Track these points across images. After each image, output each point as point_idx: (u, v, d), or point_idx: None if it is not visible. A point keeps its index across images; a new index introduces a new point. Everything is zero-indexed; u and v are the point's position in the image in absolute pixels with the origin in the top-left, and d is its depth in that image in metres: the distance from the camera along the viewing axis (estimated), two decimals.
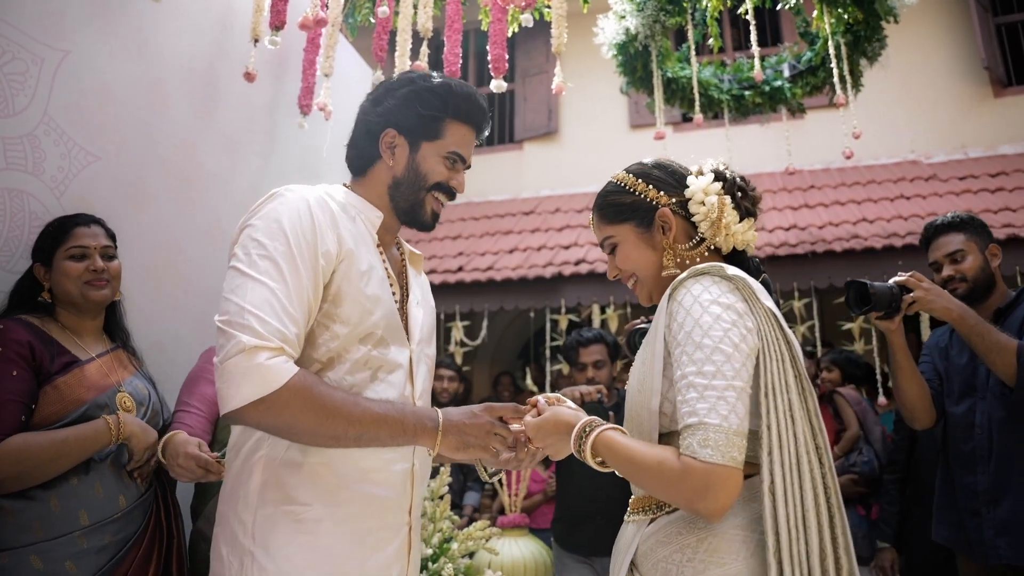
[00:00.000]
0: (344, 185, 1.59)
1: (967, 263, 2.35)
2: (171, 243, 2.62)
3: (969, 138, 6.48)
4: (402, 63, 2.94)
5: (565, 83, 2.78)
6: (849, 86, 3.83)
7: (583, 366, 3.14)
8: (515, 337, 7.77)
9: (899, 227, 5.08)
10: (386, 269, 1.50)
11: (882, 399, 4.59)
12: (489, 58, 2.78)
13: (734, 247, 1.38)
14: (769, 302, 1.27)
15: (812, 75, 4.51)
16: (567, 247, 6.09)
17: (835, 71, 3.61)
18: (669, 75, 4.22)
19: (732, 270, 1.27)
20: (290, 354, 1.26)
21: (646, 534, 1.26)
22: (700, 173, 1.41)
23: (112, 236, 2.08)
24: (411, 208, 1.54)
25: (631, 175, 1.43)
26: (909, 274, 2.20)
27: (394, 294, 1.50)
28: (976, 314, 2.17)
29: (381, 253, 1.51)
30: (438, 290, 5.49)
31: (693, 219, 1.38)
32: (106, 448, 1.82)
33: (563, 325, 5.52)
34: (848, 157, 3.87)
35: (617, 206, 1.42)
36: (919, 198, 5.63)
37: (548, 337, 5.55)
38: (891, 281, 2.20)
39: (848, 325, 4.73)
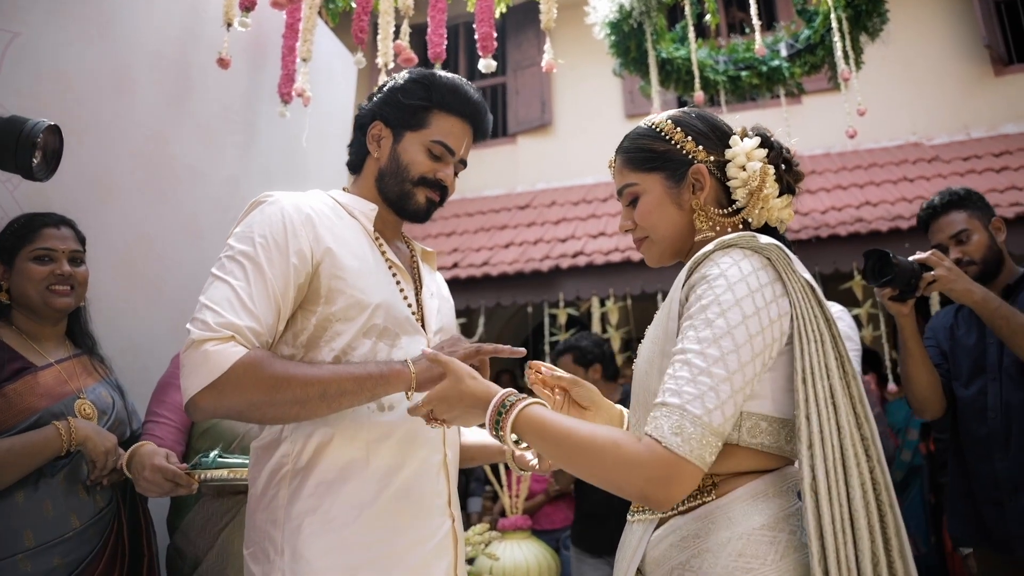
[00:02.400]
0: (343, 188, 1.58)
1: (974, 243, 2.22)
2: (142, 239, 2.48)
3: (971, 118, 6.34)
4: (384, 46, 2.80)
5: (556, 60, 2.64)
6: (852, 62, 3.69)
7: None
8: (513, 333, 7.63)
9: (904, 209, 4.94)
10: (388, 260, 1.48)
11: (892, 386, 4.46)
12: (476, 36, 2.64)
13: (765, 223, 1.24)
14: (807, 274, 1.13)
15: (810, 54, 4.37)
16: (564, 240, 5.95)
17: (837, 45, 3.47)
18: (664, 56, 4.08)
19: (764, 239, 1.12)
20: (241, 342, 1.25)
21: (656, 538, 1.12)
22: (745, 134, 1.26)
23: (82, 240, 1.95)
24: (399, 199, 1.51)
25: (669, 121, 1.27)
26: (930, 252, 2.07)
27: (399, 282, 1.47)
28: (997, 296, 2.05)
29: (380, 245, 1.49)
30: None
31: (729, 183, 1.23)
32: (58, 456, 1.68)
33: (562, 319, 5.37)
34: (852, 136, 3.73)
35: (647, 152, 1.26)
36: (923, 180, 5.49)
37: (547, 332, 5.41)
38: (912, 258, 2.07)
39: (856, 311, 4.59)
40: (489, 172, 7.48)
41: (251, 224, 1.36)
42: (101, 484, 1.77)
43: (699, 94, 3.58)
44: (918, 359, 2.15)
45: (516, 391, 1.15)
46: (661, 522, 1.13)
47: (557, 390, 1.39)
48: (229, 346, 1.23)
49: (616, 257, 5.29)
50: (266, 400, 1.24)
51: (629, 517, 1.22)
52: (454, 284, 5.56)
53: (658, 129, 1.27)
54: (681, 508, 1.10)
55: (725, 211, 1.23)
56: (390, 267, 1.48)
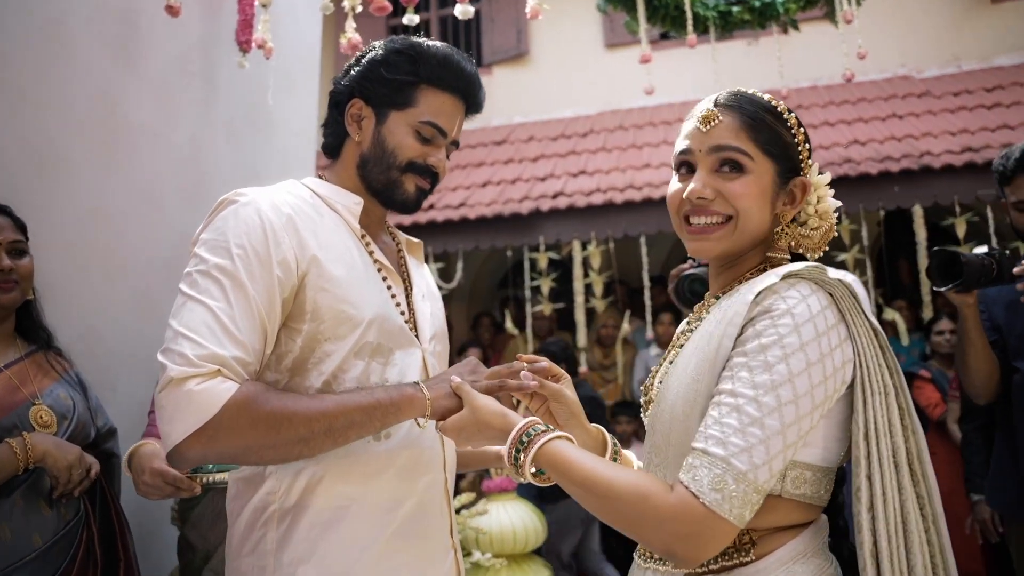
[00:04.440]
0: (319, 175, 1.39)
1: None
2: (96, 212, 2.27)
3: (963, 49, 6.15)
4: None
5: (541, 4, 2.42)
6: (853, 1, 3.47)
7: None
8: (491, 275, 7.51)
9: (893, 149, 4.83)
10: (377, 262, 1.31)
11: None
12: None
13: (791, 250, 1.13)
14: (872, 318, 1.01)
15: None
16: (543, 179, 5.77)
17: None
18: None
19: (835, 273, 1.00)
20: (229, 376, 1.08)
21: None
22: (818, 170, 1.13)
23: (22, 228, 1.75)
24: (385, 189, 1.32)
25: (794, 116, 1.11)
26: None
27: (390, 287, 1.31)
28: None
29: (367, 245, 1.32)
30: (408, 230, 5.17)
31: (804, 208, 1.11)
32: (14, 476, 1.55)
33: (542, 263, 5.25)
34: (849, 79, 3.56)
35: (775, 133, 1.07)
36: (912, 116, 5.36)
37: (527, 277, 5.29)
38: (981, 251, 1.94)
39: (842, 256, 4.53)
40: None
41: (223, 231, 1.16)
42: (69, 496, 1.66)
43: (692, 37, 3.35)
44: (980, 349, 2.08)
45: (538, 421, 1.07)
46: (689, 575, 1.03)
47: (536, 397, 1.26)
48: (216, 383, 1.06)
49: (598, 199, 5.14)
50: (265, 443, 1.10)
51: (641, 562, 1.11)
52: (431, 228, 5.39)
53: (786, 119, 1.09)
54: (713, 566, 1.01)
55: (810, 232, 1.11)
56: (379, 270, 1.31)
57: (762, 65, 5.76)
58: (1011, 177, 2.11)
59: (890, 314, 4.69)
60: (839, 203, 1.09)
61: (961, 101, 5.41)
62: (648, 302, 4.87)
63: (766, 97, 1.12)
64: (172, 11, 2.40)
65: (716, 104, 1.10)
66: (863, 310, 0.99)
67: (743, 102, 1.09)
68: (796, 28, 4.40)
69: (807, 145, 1.10)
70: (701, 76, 5.71)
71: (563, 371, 1.28)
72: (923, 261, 4.33)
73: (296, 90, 3.19)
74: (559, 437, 1.03)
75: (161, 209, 2.49)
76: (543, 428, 1.04)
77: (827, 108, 5.87)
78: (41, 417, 1.66)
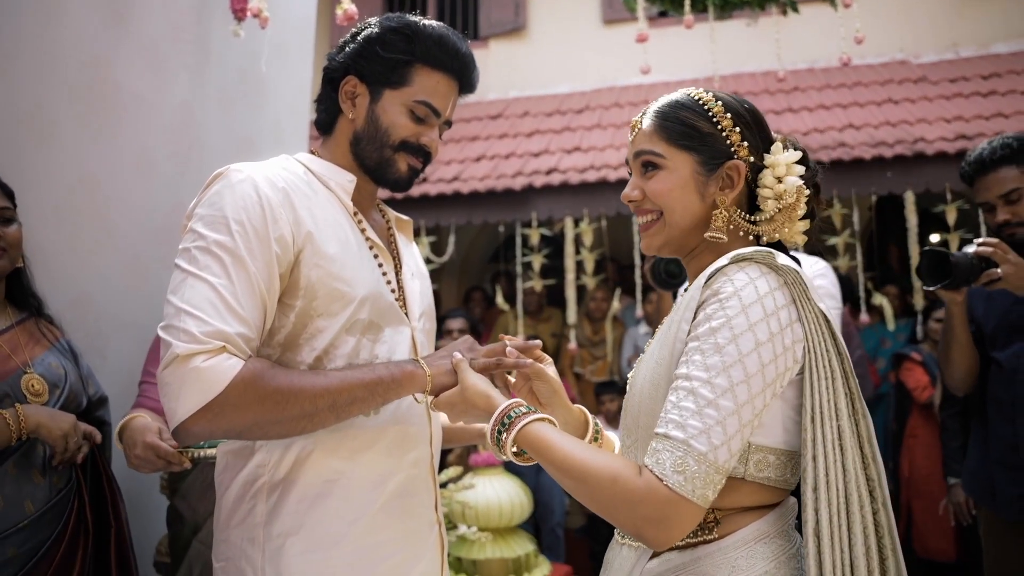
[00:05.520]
0: (312, 151, 1.39)
1: None
2: (87, 179, 2.25)
3: (961, 35, 6.13)
4: None
5: None
6: None
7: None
8: (483, 249, 7.50)
9: (887, 134, 4.82)
10: (369, 240, 1.33)
11: (864, 317, 4.48)
12: None
13: (777, 240, 1.15)
14: (822, 304, 1.04)
15: None
16: (537, 155, 5.74)
17: None
18: None
19: (783, 259, 1.04)
20: (234, 353, 1.10)
21: (650, 570, 1.07)
22: (787, 145, 1.14)
23: (10, 195, 1.74)
24: (378, 167, 1.34)
25: (720, 103, 1.14)
26: (994, 243, 1.94)
27: (381, 265, 1.33)
28: None
29: (360, 223, 1.33)
30: (400, 204, 5.15)
31: (759, 191, 1.13)
32: (7, 447, 1.55)
33: (535, 239, 5.25)
34: (846, 64, 3.55)
35: (688, 127, 1.13)
36: (908, 102, 5.35)
37: (519, 253, 5.28)
38: (971, 249, 1.96)
39: (833, 240, 4.55)
40: None
41: (221, 206, 1.16)
42: (69, 463, 1.67)
43: (689, 18, 3.32)
44: (963, 344, 2.13)
45: (522, 403, 1.10)
46: (656, 555, 1.07)
47: (517, 375, 1.29)
48: (222, 359, 1.07)
49: (592, 176, 5.13)
50: (270, 418, 1.11)
51: (619, 537, 1.16)
52: (423, 201, 5.37)
53: (706, 107, 1.14)
54: (679, 543, 1.04)
55: (758, 218, 1.13)
56: (371, 247, 1.33)
57: (760, 46, 5.73)
58: (972, 180, 2.16)
59: (879, 299, 4.72)
60: (799, 181, 1.10)
61: (957, 88, 5.41)
62: (639, 280, 4.89)
63: (691, 92, 1.17)
64: None
65: (643, 114, 1.19)
66: (811, 297, 1.03)
67: (661, 105, 1.18)
68: (796, 10, 4.38)
69: (737, 128, 1.12)
70: (699, 56, 5.69)
71: (545, 354, 1.32)
72: (914, 247, 4.35)
73: (290, 59, 3.15)
74: (539, 419, 1.07)
75: (152, 176, 2.47)
76: (524, 410, 1.08)
77: (823, 91, 5.86)
78: (32, 386, 1.66)
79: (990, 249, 1.93)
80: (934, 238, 5.59)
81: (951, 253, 1.93)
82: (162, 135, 2.54)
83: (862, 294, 4.47)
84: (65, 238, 2.16)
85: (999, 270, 1.92)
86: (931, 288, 2.00)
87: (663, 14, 5.79)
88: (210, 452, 1.70)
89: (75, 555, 1.68)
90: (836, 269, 4.29)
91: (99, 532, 1.78)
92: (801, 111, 5.55)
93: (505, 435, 1.07)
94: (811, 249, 4.87)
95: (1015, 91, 5.09)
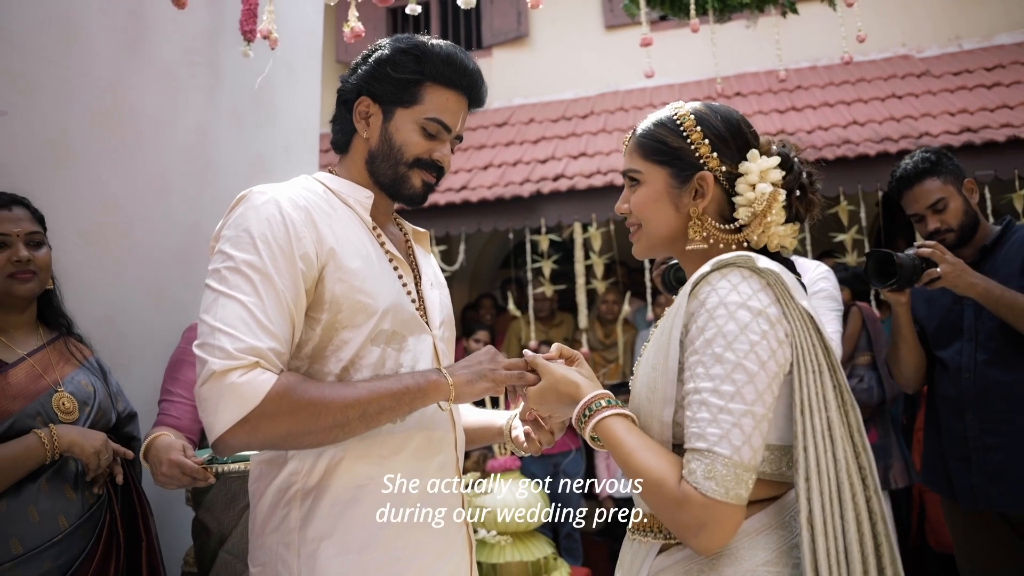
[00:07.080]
0: (329, 170, 1.45)
1: (951, 211, 2.20)
2: (108, 202, 2.32)
3: (964, 27, 6.14)
4: None
5: None
6: None
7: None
8: (493, 256, 7.54)
9: (892, 130, 4.84)
10: (388, 253, 1.38)
11: (875, 312, 4.48)
12: None
13: (765, 246, 1.21)
14: (805, 302, 1.10)
15: None
16: (544, 161, 5.79)
17: None
18: None
19: (764, 262, 1.09)
20: (267, 367, 1.15)
21: (657, 567, 1.13)
22: (768, 152, 1.20)
23: (40, 219, 1.80)
24: (393, 183, 1.39)
25: (692, 116, 1.21)
26: (932, 245, 2.05)
27: (401, 277, 1.38)
28: (998, 284, 2.05)
29: (379, 237, 1.39)
30: (410, 214, 5.21)
31: (734, 199, 1.18)
32: (42, 465, 1.61)
33: (544, 245, 5.29)
34: (848, 62, 3.58)
35: (659, 144, 1.22)
36: (912, 97, 5.36)
37: (529, 259, 5.33)
38: (912, 251, 2.06)
39: (840, 237, 4.56)
40: None
41: (247, 227, 1.21)
42: (102, 479, 1.73)
43: (695, 21, 3.37)
44: (910, 343, 2.24)
45: (607, 395, 1.18)
46: (664, 547, 1.13)
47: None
48: (256, 374, 1.12)
49: (599, 181, 5.17)
50: (305, 429, 1.16)
51: (629, 532, 1.23)
52: (433, 211, 5.42)
53: (678, 122, 1.22)
54: None
55: (725, 227, 1.19)
56: (391, 260, 1.38)
57: (761, 47, 5.75)
58: (900, 194, 2.30)
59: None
60: (770, 188, 1.16)
61: (961, 81, 5.41)
62: (648, 283, 4.92)
63: (672, 108, 1.25)
64: (179, 3, 2.43)
65: (631, 132, 1.28)
66: (794, 296, 1.08)
67: (644, 123, 1.26)
68: (795, 11, 4.41)
69: (706, 141, 1.19)
70: (700, 58, 5.72)
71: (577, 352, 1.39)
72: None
73: (298, 77, 3.22)
74: (615, 414, 1.13)
75: (170, 196, 2.54)
76: (605, 403, 1.16)
77: (826, 89, 5.87)
78: (63, 404, 1.72)
79: (929, 250, 2.04)
80: None
81: (896, 254, 2.02)
82: (178, 156, 2.61)
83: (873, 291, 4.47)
84: (90, 259, 2.23)
85: (938, 269, 2.01)
86: (878, 288, 2.09)
87: (663, 18, 5.84)
88: (233, 467, 1.75)
89: (108, 568, 1.73)
90: (846, 265, 4.31)
91: (130, 545, 1.83)
92: (805, 109, 5.58)
93: (584, 424, 1.15)
94: (819, 248, 4.90)
95: (1020, 82, 5.09)
